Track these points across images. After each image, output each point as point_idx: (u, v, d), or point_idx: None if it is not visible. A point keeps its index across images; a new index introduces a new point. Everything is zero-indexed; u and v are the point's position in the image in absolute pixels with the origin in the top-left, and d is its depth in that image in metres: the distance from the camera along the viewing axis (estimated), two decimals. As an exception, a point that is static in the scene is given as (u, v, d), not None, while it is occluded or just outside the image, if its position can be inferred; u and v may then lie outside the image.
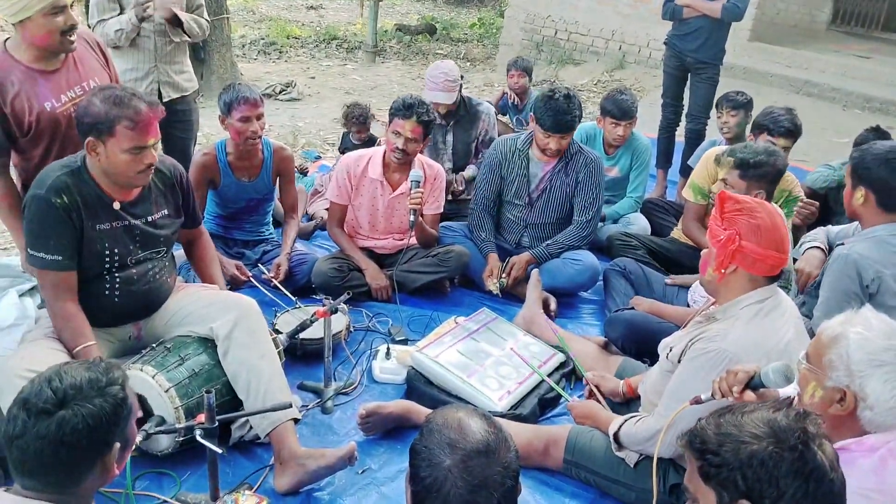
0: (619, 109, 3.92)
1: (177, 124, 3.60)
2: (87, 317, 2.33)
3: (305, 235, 4.00)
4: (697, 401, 1.91)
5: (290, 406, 2.26)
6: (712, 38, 4.68)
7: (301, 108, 7.02)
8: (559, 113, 3.28)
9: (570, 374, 2.95)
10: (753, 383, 1.79)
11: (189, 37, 3.58)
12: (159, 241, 2.47)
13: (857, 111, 7.39)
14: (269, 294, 3.24)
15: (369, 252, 3.53)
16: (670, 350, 2.21)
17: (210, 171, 3.37)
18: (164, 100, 3.52)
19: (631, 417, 2.29)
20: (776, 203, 3.18)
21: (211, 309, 2.44)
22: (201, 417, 2.14)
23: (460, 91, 4.08)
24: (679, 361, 2.14)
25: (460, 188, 4.08)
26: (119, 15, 3.40)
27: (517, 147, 3.53)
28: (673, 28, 4.86)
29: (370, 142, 4.82)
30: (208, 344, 2.43)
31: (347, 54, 10.01)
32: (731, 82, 7.36)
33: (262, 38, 10.06)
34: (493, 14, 12.57)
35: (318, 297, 3.32)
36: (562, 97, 3.29)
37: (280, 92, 7.36)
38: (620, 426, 2.26)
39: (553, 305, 3.41)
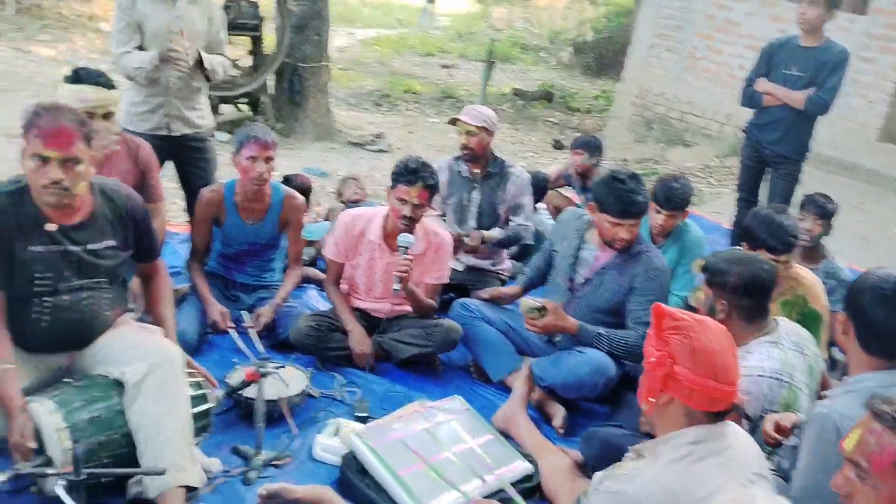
0: (664, 196, 3.50)
1: (193, 160, 3.62)
2: (17, 341, 2.27)
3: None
4: None
5: (163, 472, 2.06)
6: (794, 131, 4.18)
7: (386, 160, 7.00)
8: (628, 195, 2.87)
9: (532, 490, 2.55)
10: None
11: (209, 80, 3.58)
12: (99, 271, 2.37)
13: None
14: (239, 342, 3.09)
15: (364, 314, 3.32)
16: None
17: (215, 208, 3.32)
18: (175, 134, 3.54)
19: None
20: (787, 316, 2.67)
21: (129, 352, 2.29)
22: (70, 467, 2.00)
23: (490, 135, 3.86)
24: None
25: (471, 244, 3.73)
26: (140, 44, 3.41)
27: (579, 216, 3.19)
28: (753, 116, 4.40)
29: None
30: (121, 388, 2.28)
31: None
32: (854, 184, 6.66)
33: (378, 90, 10.31)
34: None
35: (292, 354, 3.14)
36: (627, 178, 2.91)
37: (369, 142, 7.43)
38: None
39: (560, 421, 2.94)
